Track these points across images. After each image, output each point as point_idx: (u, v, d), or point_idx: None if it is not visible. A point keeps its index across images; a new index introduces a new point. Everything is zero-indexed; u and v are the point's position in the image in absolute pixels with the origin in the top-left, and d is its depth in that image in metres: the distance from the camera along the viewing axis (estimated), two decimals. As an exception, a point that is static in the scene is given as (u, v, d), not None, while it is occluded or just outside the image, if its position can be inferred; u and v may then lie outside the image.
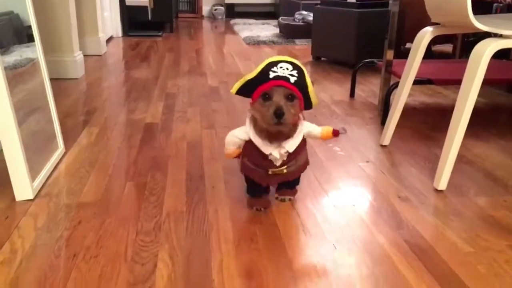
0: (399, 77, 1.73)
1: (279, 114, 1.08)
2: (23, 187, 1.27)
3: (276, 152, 1.16)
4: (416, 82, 1.71)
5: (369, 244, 1.11)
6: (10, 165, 1.26)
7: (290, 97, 1.10)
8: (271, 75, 1.11)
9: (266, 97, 1.11)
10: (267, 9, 6.45)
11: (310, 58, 3.49)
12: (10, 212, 1.22)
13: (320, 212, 1.25)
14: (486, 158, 1.64)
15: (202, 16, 6.43)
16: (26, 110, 1.42)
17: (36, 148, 1.41)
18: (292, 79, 1.10)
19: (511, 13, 2.10)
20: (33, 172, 1.32)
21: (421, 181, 1.44)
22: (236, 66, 3.19)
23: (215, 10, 6.33)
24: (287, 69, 1.12)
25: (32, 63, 1.54)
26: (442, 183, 1.38)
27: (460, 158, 1.55)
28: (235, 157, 1.27)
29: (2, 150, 1.27)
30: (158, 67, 3.09)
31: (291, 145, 1.17)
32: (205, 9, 6.47)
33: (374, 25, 3.01)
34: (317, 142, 1.73)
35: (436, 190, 1.38)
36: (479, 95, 1.31)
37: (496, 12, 2.66)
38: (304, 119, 1.24)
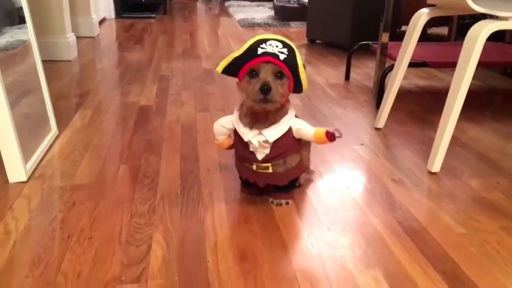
0: (394, 59, 1.72)
1: (265, 89, 1.01)
2: (16, 169, 1.27)
3: (255, 140, 1.08)
4: (411, 64, 1.70)
5: (363, 225, 1.11)
6: (2, 147, 1.26)
7: (278, 75, 1.04)
8: (259, 51, 1.04)
9: (253, 74, 1.04)
10: (262, -9, 6.38)
11: (305, 41, 3.46)
12: (3, 194, 1.21)
13: (314, 194, 1.25)
14: (480, 141, 1.64)
15: (196, -2, 6.36)
16: (19, 93, 1.40)
17: (29, 130, 1.40)
18: (282, 56, 1.03)
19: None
20: (26, 154, 1.32)
21: (415, 164, 1.45)
22: (230, 49, 3.16)
23: (210, -8, 6.26)
24: (277, 46, 1.05)
25: (24, 45, 1.52)
26: (436, 166, 1.38)
27: (454, 140, 1.56)
28: (228, 148, 1.21)
29: (-6, 132, 1.26)
30: (151, 49, 3.06)
31: (271, 133, 1.08)
32: (200, -10, 6.39)
33: (370, 8, 2.99)
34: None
35: (430, 173, 1.39)
36: (474, 77, 1.31)
37: (492, -5, 2.64)
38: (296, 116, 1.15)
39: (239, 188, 1.27)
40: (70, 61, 2.64)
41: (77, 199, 1.20)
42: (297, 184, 1.25)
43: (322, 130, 1.11)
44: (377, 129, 1.74)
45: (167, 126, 1.72)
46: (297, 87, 1.09)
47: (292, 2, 4.48)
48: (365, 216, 1.15)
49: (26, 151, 1.32)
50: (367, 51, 2.89)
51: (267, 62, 1.03)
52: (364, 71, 2.62)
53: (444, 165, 1.39)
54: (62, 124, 1.69)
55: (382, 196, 1.25)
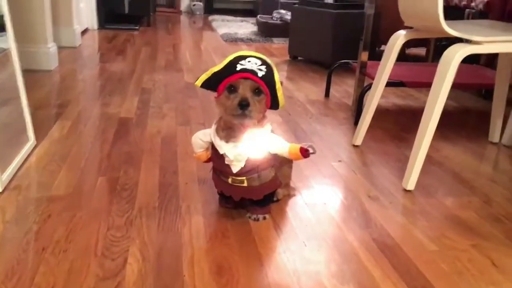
0: (373, 78, 1.76)
1: (244, 105, 1.04)
2: (-8, 179, 1.25)
3: (230, 153, 1.10)
4: (389, 84, 1.74)
5: (339, 241, 1.13)
6: (-22, 156, 1.24)
7: (256, 91, 1.06)
8: (238, 67, 1.06)
9: (232, 89, 1.07)
10: (246, 6, 6.46)
11: (287, 57, 3.51)
12: (-22, 205, 1.19)
13: (291, 210, 1.27)
14: (454, 160, 1.68)
15: (180, 11, 6.39)
16: (-3, 101, 1.39)
17: (6, 140, 1.39)
18: (260, 73, 1.06)
19: (483, 19, 2.16)
20: (3, 164, 1.30)
21: (391, 181, 1.48)
22: (213, 63, 3.18)
23: (194, 5, 6.30)
24: (256, 63, 1.07)
25: (3, 53, 1.51)
26: (411, 183, 1.41)
27: (428, 159, 1.59)
28: (206, 161, 1.23)
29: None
30: (134, 61, 3.06)
31: (246, 146, 1.10)
32: (184, 4, 6.43)
33: (351, 27, 3.05)
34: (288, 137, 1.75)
35: (405, 190, 1.42)
36: (449, 98, 1.35)
37: (468, 18, 2.72)
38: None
39: (217, 202, 1.28)
40: (50, 70, 2.63)
41: (53, 211, 1.19)
42: (274, 199, 1.26)
43: (296, 146, 1.14)
44: (355, 146, 1.77)
45: (147, 138, 1.72)
46: (274, 104, 1.11)
47: (275, 19, 4.54)
48: (341, 232, 1.17)
49: (3, 161, 1.30)
50: (347, 69, 2.95)
51: (246, 78, 1.05)
52: (344, 88, 2.67)
53: (418, 183, 1.42)
54: (40, 134, 1.68)
55: (358, 213, 1.27)
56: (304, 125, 1.98)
